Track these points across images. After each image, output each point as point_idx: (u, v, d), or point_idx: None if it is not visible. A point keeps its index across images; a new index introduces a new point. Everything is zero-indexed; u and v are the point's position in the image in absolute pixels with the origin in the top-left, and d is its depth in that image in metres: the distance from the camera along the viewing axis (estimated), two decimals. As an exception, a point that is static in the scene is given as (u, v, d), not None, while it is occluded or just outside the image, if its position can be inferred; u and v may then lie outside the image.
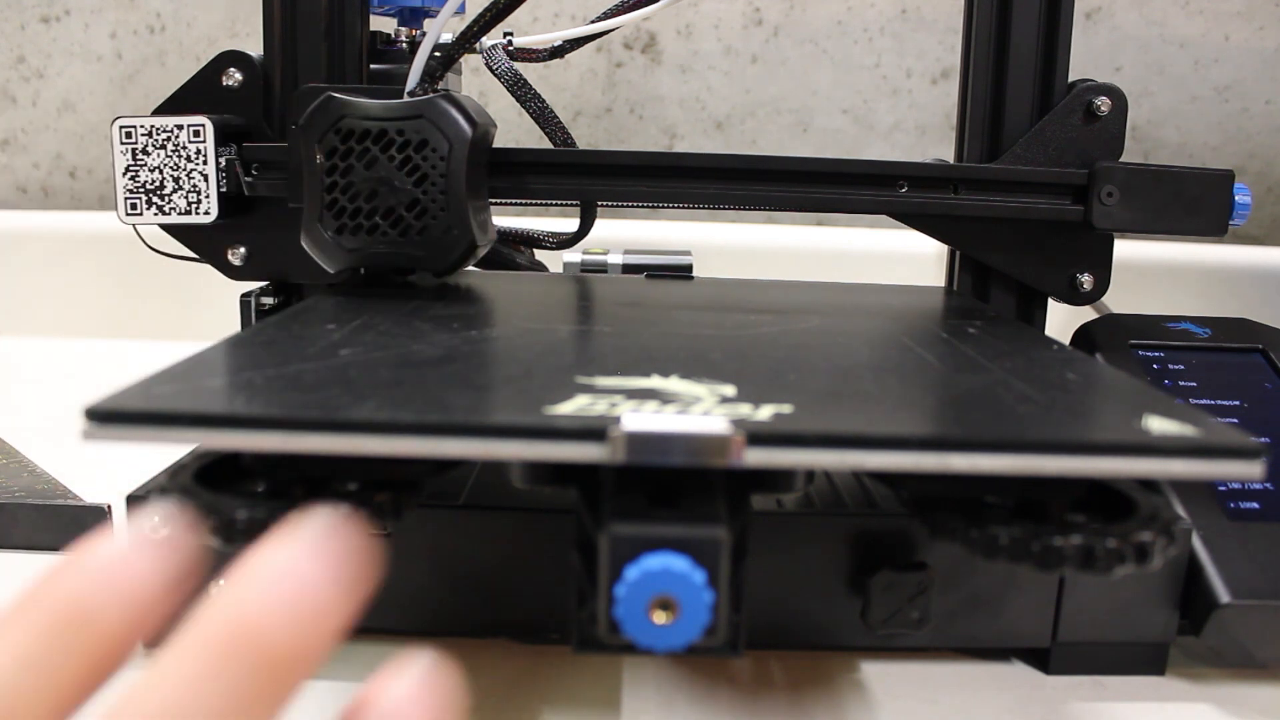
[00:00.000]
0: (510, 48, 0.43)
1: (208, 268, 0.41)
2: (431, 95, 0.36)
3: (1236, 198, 0.39)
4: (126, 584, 0.16)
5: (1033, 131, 0.40)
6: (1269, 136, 0.77)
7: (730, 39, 0.76)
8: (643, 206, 0.43)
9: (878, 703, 0.31)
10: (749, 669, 0.32)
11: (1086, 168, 0.39)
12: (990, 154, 0.41)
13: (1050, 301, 0.42)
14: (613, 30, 0.43)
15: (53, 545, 0.38)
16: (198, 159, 0.38)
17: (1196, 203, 0.39)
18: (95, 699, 0.16)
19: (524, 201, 0.40)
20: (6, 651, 0.15)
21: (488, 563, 0.31)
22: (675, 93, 0.77)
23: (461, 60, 0.43)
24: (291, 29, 0.39)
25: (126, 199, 0.39)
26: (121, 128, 0.39)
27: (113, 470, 0.36)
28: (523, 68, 0.41)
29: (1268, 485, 0.34)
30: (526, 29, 0.74)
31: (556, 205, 0.46)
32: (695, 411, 0.22)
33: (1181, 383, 0.38)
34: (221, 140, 0.38)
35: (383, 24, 0.44)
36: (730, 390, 0.24)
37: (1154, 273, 0.70)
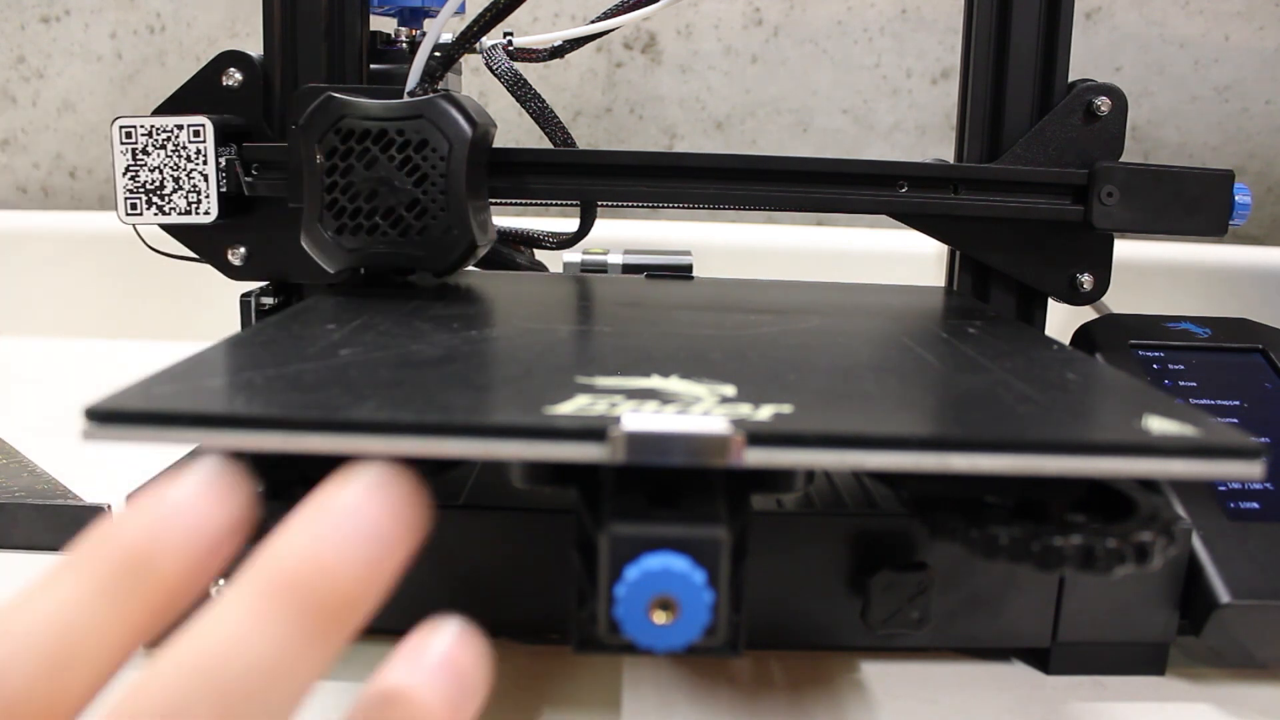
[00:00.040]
0: (510, 48, 0.43)
1: (208, 268, 0.41)
2: (431, 95, 0.36)
3: (1236, 198, 0.39)
4: (185, 531, 0.16)
5: (1033, 131, 0.40)
6: (1269, 136, 0.77)
7: (730, 39, 0.76)
8: (643, 206, 0.43)
9: (878, 703, 0.31)
10: (749, 669, 0.32)
11: (1086, 168, 0.39)
12: (990, 154, 0.41)
13: (1050, 301, 0.42)
14: (613, 30, 0.43)
15: (53, 545, 0.38)
16: (198, 159, 0.38)
17: (1196, 203, 0.39)
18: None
19: (524, 201, 0.40)
20: (70, 593, 0.16)
21: (488, 563, 0.31)
22: (675, 93, 0.77)
23: (461, 60, 0.43)
24: (291, 29, 0.39)
25: (126, 199, 0.39)
26: (121, 128, 0.39)
27: (113, 470, 0.36)
28: (523, 68, 0.41)
29: (1268, 485, 0.34)
30: (526, 29, 0.74)
31: (556, 205, 0.46)
32: (695, 411, 0.22)
33: (1181, 383, 0.38)
34: (221, 140, 0.38)
35: (383, 24, 0.44)
36: (730, 390, 0.24)
37: (1154, 273, 0.70)
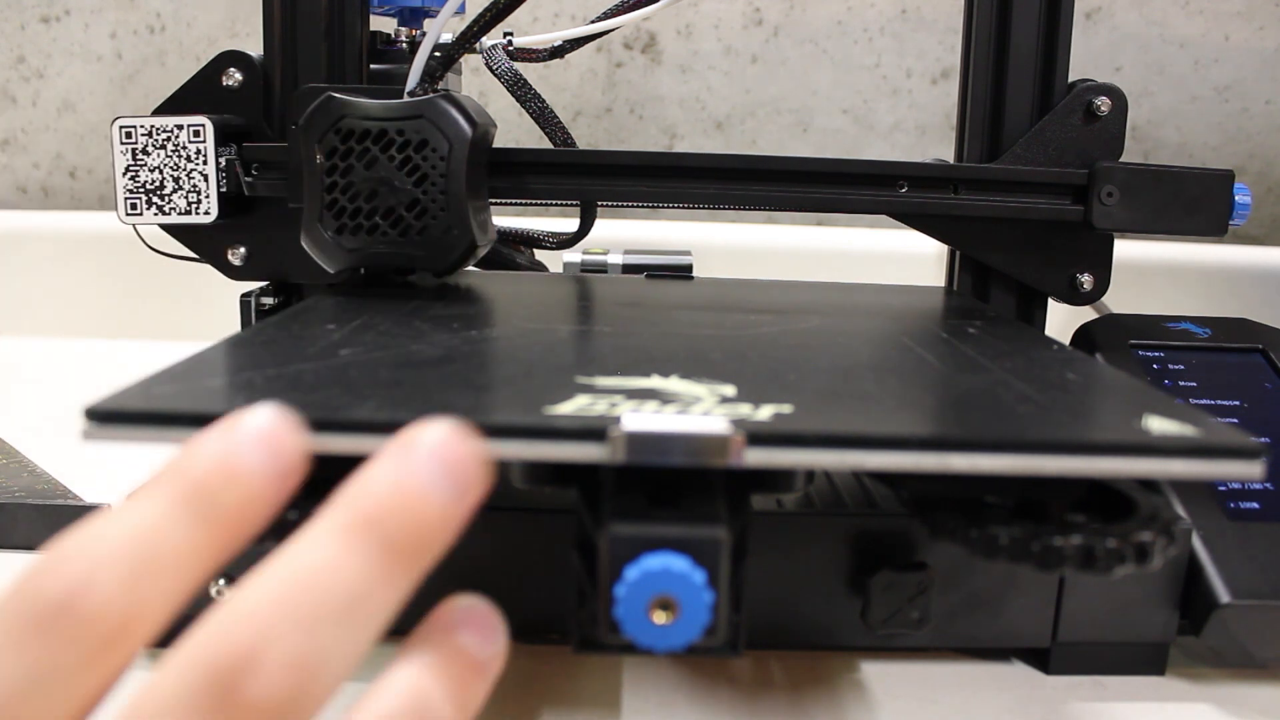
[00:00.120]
0: (510, 48, 0.43)
1: (208, 268, 0.41)
2: (431, 95, 0.36)
3: (1236, 198, 0.39)
4: (255, 461, 0.17)
5: (1033, 131, 0.40)
6: (1269, 136, 0.77)
7: (730, 39, 0.76)
8: (643, 206, 0.43)
9: (878, 703, 0.31)
10: (749, 669, 0.32)
11: (1086, 168, 0.39)
12: (990, 154, 0.41)
13: (1050, 301, 0.42)
14: (613, 30, 0.43)
15: (53, 545, 0.38)
16: (198, 159, 0.38)
17: (1196, 203, 0.39)
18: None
19: (524, 201, 0.40)
20: (150, 511, 0.17)
21: (488, 563, 0.31)
22: (675, 93, 0.77)
23: (461, 60, 0.43)
24: (291, 29, 0.39)
25: (126, 199, 0.39)
26: (121, 128, 0.39)
27: (113, 470, 0.36)
28: (523, 68, 0.41)
29: (1268, 485, 0.34)
30: (526, 29, 0.74)
31: (556, 205, 0.46)
32: (695, 411, 0.22)
33: (1181, 383, 0.38)
34: (221, 140, 0.38)
35: (383, 24, 0.44)
36: (730, 390, 0.24)
37: (1154, 273, 0.70)
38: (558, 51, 0.44)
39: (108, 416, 0.20)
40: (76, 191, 0.81)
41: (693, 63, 0.77)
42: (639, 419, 0.21)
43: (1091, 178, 0.39)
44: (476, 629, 0.19)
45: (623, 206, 0.50)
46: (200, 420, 0.20)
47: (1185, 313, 0.43)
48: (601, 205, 0.43)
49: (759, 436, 0.21)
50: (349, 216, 0.36)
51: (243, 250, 0.41)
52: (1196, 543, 0.32)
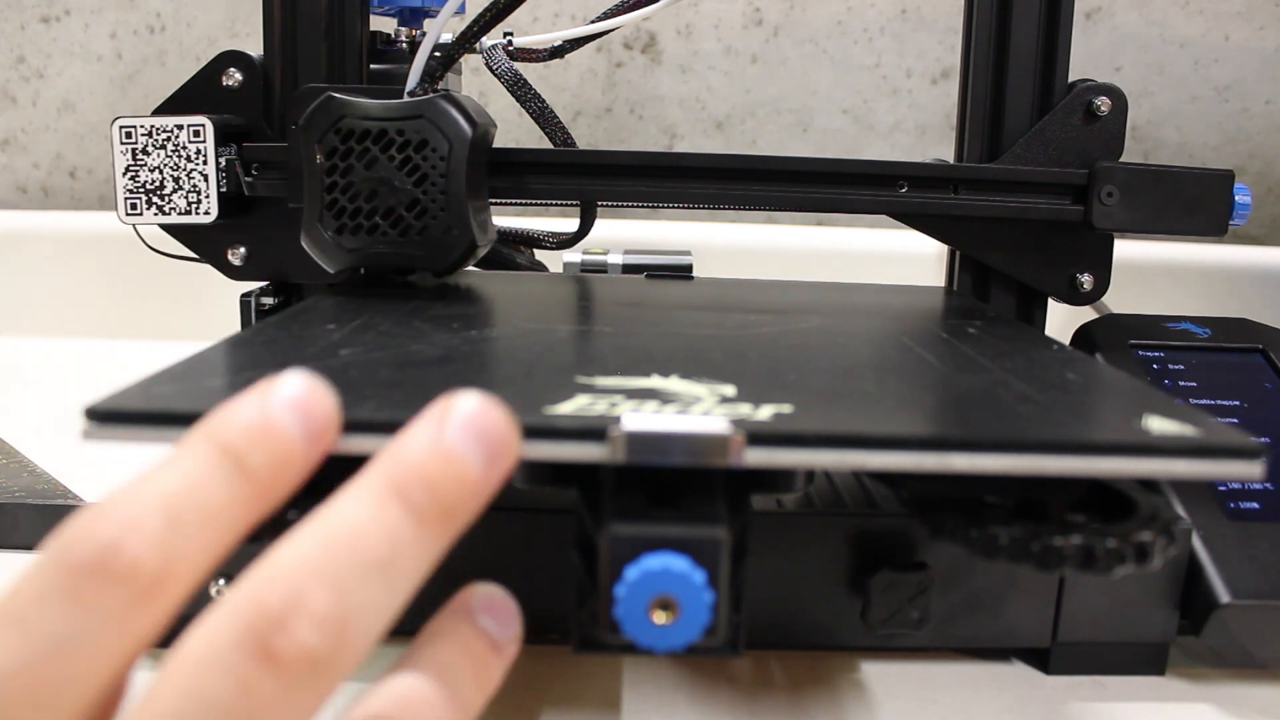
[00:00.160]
0: (510, 48, 0.43)
1: (208, 268, 0.41)
2: (431, 95, 0.36)
3: (1236, 198, 0.39)
4: (281, 427, 0.18)
5: (1033, 131, 0.40)
6: (1269, 136, 0.77)
7: (730, 39, 0.76)
8: (643, 206, 0.43)
9: (878, 703, 0.31)
10: (749, 669, 0.32)
11: (1086, 168, 0.39)
12: (990, 154, 0.41)
13: (1050, 301, 0.42)
14: (613, 30, 0.43)
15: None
16: (198, 159, 0.38)
17: (1196, 203, 0.39)
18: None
19: (524, 201, 0.40)
20: (186, 468, 0.17)
21: (488, 563, 0.31)
22: (675, 93, 0.77)
23: (461, 60, 0.43)
24: (291, 29, 0.39)
25: (126, 199, 0.39)
26: (121, 128, 0.39)
27: (113, 470, 0.36)
28: (523, 68, 0.41)
29: (1268, 485, 0.34)
30: (526, 29, 0.74)
31: (556, 205, 0.46)
32: (695, 411, 0.22)
33: (1181, 383, 0.38)
34: (221, 140, 0.38)
35: (383, 24, 0.44)
36: (730, 390, 0.24)
37: (1154, 273, 0.70)
38: (558, 51, 0.44)
39: (108, 416, 0.20)
40: (76, 191, 0.81)
41: (693, 63, 0.77)
42: (639, 419, 0.21)
43: (1091, 178, 0.39)
44: (495, 613, 0.20)
45: (623, 206, 0.50)
46: (199, 421, 0.20)
47: (1185, 313, 0.43)
48: (601, 205, 0.43)
49: (759, 436, 0.21)
50: (349, 216, 0.36)
51: (243, 250, 0.41)
52: (1196, 543, 0.32)
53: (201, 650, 0.15)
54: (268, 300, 0.41)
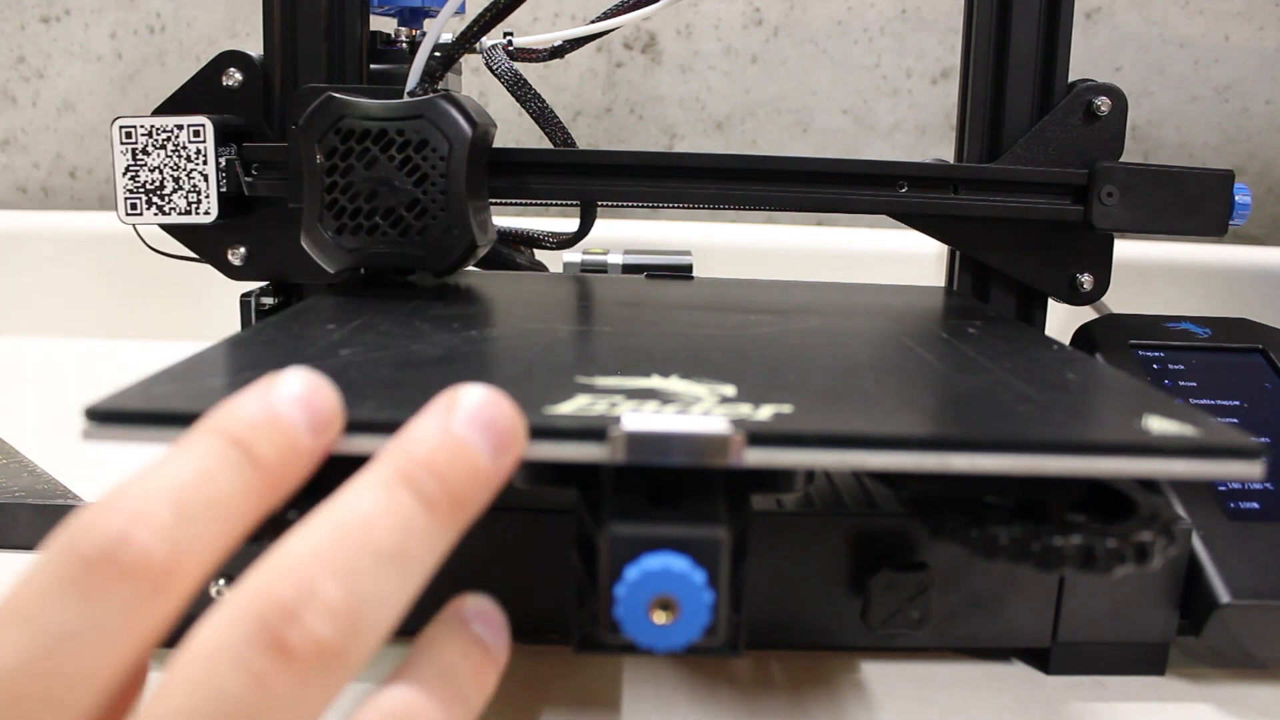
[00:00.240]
0: (510, 48, 0.43)
1: (208, 268, 0.41)
2: (431, 95, 0.36)
3: (1236, 198, 0.39)
4: (287, 419, 0.18)
5: (1033, 131, 0.40)
6: (1269, 136, 0.77)
7: (730, 39, 0.76)
8: (643, 206, 0.43)
9: (878, 703, 0.31)
10: (749, 669, 0.32)
11: (1086, 168, 0.39)
12: (990, 154, 0.41)
13: (1050, 301, 0.42)
14: (613, 30, 0.43)
15: (53, 545, 0.38)
16: (198, 159, 0.38)
17: (1196, 203, 0.39)
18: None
19: (524, 201, 0.40)
20: (194, 459, 0.17)
21: (488, 563, 0.31)
22: (675, 93, 0.77)
23: (461, 60, 0.43)
24: (291, 29, 0.39)
25: (126, 199, 0.39)
26: (121, 128, 0.39)
27: (113, 470, 0.36)
28: (523, 68, 0.41)
29: (1268, 485, 0.34)
30: (526, 29, 0.74)
31: (556, 205, 0.46)
32: (695, 411, 0.22)
33: (1181, 383, 0.38)
34: (221, 140, 0.38)
35: (383, 24, 0.44)
36: (730, 390, 0.24)
37: (1154, 273, 0.70)
38: (558, 51, 0.44)
39: (108, 416, 0.20)
40: (76, 191, 0.81)
41: (693, 63, 0.77)
42: (639, 419, 0.21)
43: (1091, 178, 0.39)
44: (487, 622, 0.20)
45: (623, 206, 0.50)
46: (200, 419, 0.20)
47: (1185, 313, 0.43)
48: (601, 205, 0.43)
49: (759, 436, 0.21)
50: (349, 216, 0.36)
51: (243, 250, 0.41)
52: (1196, 543, 0.32)
53: (212, 644, 0.15)
54: (268, 300, 0.41)
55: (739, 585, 0.22)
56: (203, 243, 0.41)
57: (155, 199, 0.39)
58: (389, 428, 0.19)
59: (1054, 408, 0.24)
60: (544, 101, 0.40)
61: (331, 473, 0.19)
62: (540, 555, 0.31)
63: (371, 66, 0.42)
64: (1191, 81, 0.76)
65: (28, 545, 0.39)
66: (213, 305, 0.50)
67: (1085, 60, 0.74)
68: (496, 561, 0.31)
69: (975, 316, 0.37)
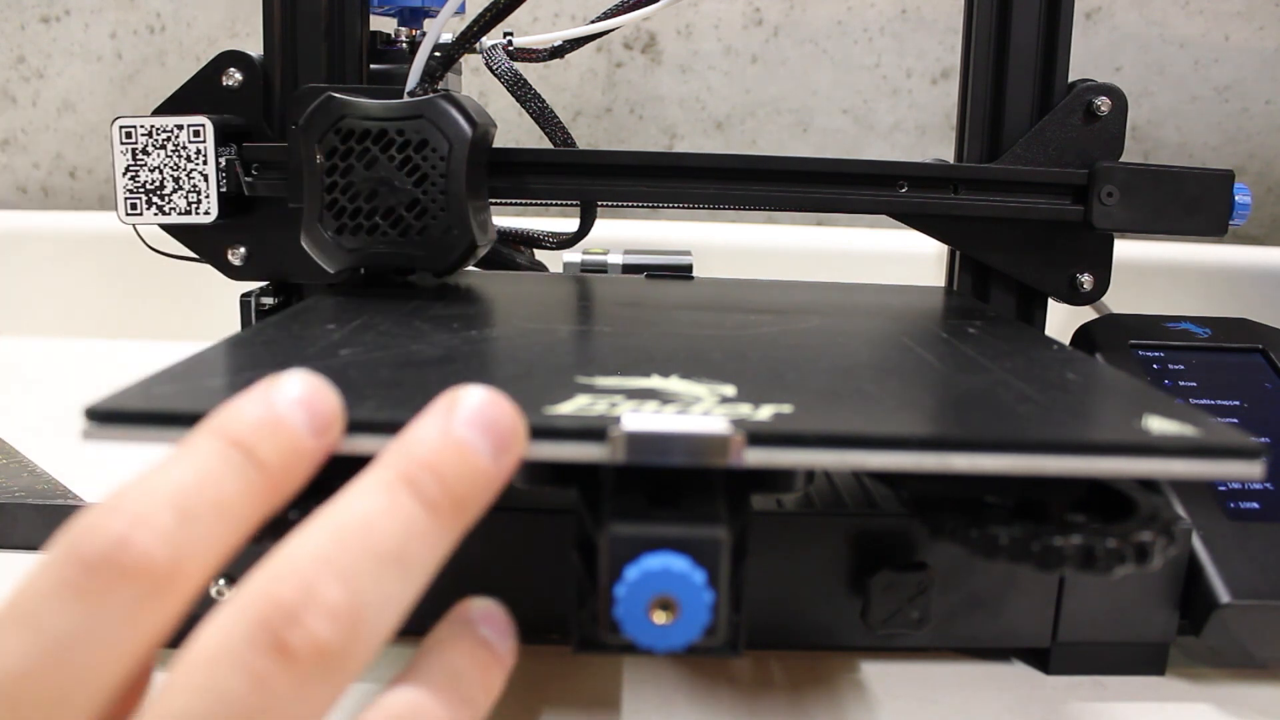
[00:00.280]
0: (510, 48, 0.43)
1: (208, 268, 0.41)
2: (431, 95, 0.36)
3: (1236, 198, 0.39)
4: (288, 420, 0.18)
5: (1033, 131, 0.40)
6: (1269, 136, 0.77)
7: (730, 39, 0.76)
8: (643, 206, 0.43)
9: (878, 703, 0.31)
10: (749, 669, 0.32)
11: (1086, 168, 0.39)
12: (990, 154, 0.41)
13: (1050, 301, 0.42)
14: (613, 30, 0.43)
15: (53, 545, 0.38)
16: (198, 159, 0.38)
17: (1196, 203, 0.39)
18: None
19: (524, 201, 0.40)
20: (197, 461, 0.17)
21: (488, 563, 0.31)
22: (675, 93, 0.77)
23: (461, 60, 0.43)
24: (291, 29, 0.39)
25: (126, 199, 0.39)
26: (121, 128, 0.39)
27: (113, 470, 0.36)
28: (523, 68, 0.41)
29: (1268, 485, 0.34)
30: (526, 29, 0.74)
31: (556, 205, 0.46)
32: (695, 411, 0.22)
33: (1181, 383, 0.38)
34: (221, 140, 0.38)
35: (383, 24, 0.44)
36: (730, 390, 0.24)
37: (1154, 273, 0.70)
38: (558, 51, 0.44)
39: (108, 416, 0.20)
40: (76, 191, 0.81)
41: (693, 63, 0.77)
42: (639, 419, 0.21)
43: (1091, 178, 0.39)
44: (493, 625, 0.20)
45: (623, 206, 0.50)
46: (201, 421, 0.20)
47: (1185, 313, 0.43)
48: (601, 205, 0.43)
49: (759, 436, 0.21)
50: (349, 216, 0.36)
51: (243, 250, 0.41)
52: (1196, 543, 0.32)
53: (214, 646, 0.15)
54: (268, 300, 0.41)
55: (739, 585, 0.22)
56: (203, 243, 0.41)
57: (155, 199, 0.39)
58: (390, 428, 0.19)
59: (1054, 408, 0.24)
60: (544, 101, 0.40)
61: (333, 473, 0.19)
62: (540, 555, 0.31)
63: (371, 66, 0.42)
64: (1191, 81, 0.76)
65: (28, 545, 0.39)
66: (213, 305, 0.51)
67: (1085, 60, 0.74)
68: (496, 562, 0.31)
69: (975, 316, 0.37)
